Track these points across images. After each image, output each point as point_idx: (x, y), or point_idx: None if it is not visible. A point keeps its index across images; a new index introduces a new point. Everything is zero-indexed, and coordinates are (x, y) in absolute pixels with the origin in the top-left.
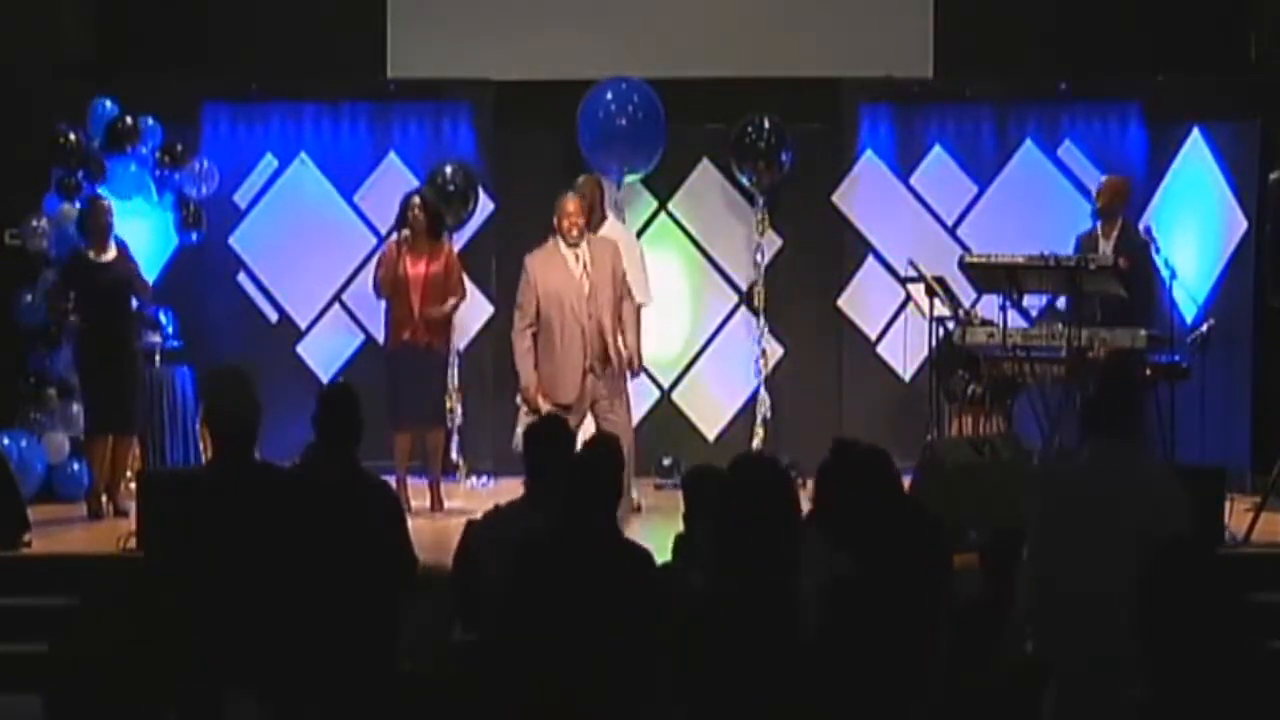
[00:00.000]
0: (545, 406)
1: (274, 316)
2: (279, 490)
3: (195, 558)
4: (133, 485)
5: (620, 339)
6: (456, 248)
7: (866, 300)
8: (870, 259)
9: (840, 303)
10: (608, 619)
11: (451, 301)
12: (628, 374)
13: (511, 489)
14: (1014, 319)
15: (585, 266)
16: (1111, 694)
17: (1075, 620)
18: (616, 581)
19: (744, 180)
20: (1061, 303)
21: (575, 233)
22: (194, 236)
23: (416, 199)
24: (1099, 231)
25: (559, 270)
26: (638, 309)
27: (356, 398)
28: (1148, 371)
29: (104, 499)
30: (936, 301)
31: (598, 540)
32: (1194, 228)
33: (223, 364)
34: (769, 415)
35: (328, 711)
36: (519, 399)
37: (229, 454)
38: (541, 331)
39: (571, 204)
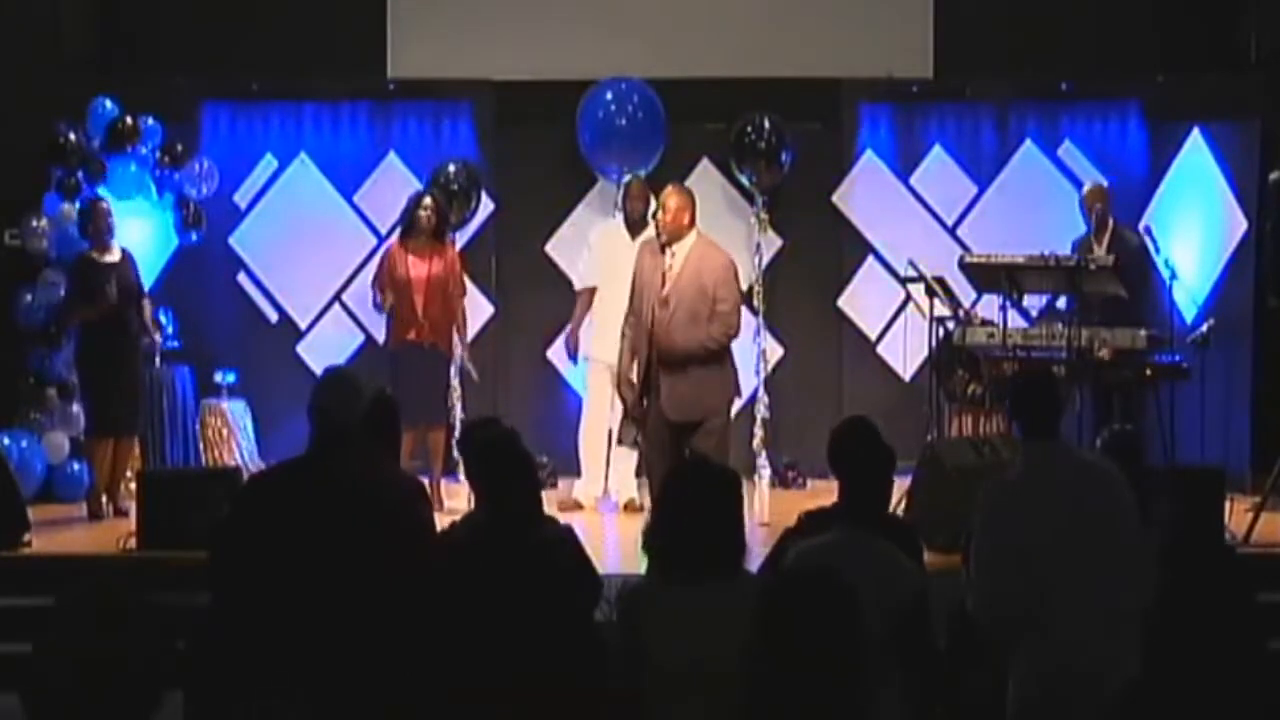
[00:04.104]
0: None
1: (274, 316)
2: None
3: (263, 551)
4: (133, 485)
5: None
6: (456, 247)
7: (866, 300)
8: (870, 259)
9: (840, 303)
10: (533, 603)
11: (456, 296)
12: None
13: None
14: (1014, 319)
15: (670, 269)
16: (1084, 688)
17: (1046, 617)
18: (538, 564)
19: (744, 180)
20: (1061, 303)
21: (659, 227)
22: (194, 236)
23: (428, 198)
24: (1092, 237)
25: (648, 264)
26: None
27: (389, 400)
28: (1148, 372)
29: (104, 499)
30: (936, 301)
31: (513, 527)
32: (1194, 228)
33: (332, 368)
34: (769, 415)
35: (353, 711)
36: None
37: (317, 452)
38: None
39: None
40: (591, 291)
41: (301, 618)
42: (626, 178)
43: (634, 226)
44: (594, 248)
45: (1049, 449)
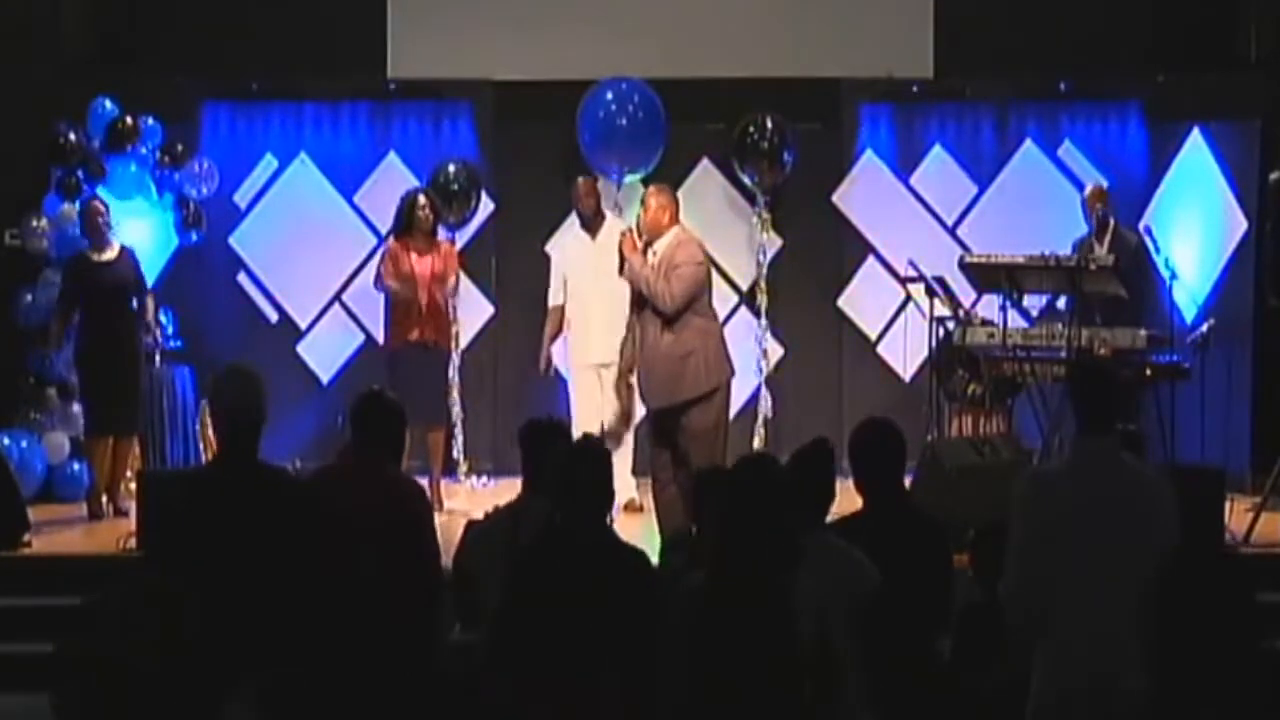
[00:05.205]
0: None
1: (274, 316)
2: (296, 490)
3: (194, 556)
4: (133, 485)
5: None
6: (456, 247)
7: (866, 300)
8: (870, 259)
9: (840, 303)
10: (603, 621)
11: (451, 284)
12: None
13: (512, 489)
14: (1014, 319)
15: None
16: (1106, 688)
17: (1069, 616)
18: (611, 584)
19: (746, 180)
20: (1061, 303)
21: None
22: (194, 236)
23: (423, 198)
24: (1094, 237)
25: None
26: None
27: (394, 404)
28: (1148, 372)
29: (104, 499)
30: (936, 301)
31: (591, 543)
32: (1194, 228)
33: (230, 363)
34: (769, 415)
35: (344, 713)
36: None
37: (231, 452)
38: None
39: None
40: (560, 309)
41: (227, 621)
42: (580, 179)
43: (590, 225)
44: (555, 265)
45: (1099, 446)
